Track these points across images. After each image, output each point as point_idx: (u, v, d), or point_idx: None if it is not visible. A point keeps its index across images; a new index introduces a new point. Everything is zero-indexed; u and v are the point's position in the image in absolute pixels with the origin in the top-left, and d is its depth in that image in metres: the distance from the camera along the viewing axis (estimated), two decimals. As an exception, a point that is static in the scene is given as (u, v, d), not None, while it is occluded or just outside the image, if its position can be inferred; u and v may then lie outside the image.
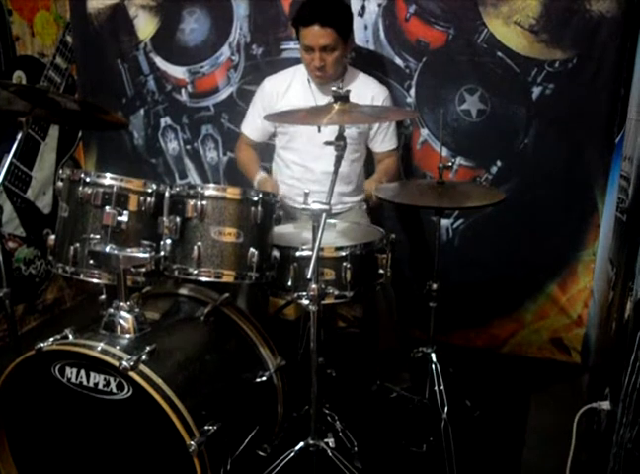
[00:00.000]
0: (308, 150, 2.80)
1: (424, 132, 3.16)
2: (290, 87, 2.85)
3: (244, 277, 2.06)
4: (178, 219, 2.00)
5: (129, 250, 1.96)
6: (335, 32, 2.59)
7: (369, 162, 3.00)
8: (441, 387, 2.43)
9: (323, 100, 2.74)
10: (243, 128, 3.01)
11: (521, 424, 2.69)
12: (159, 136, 3.66)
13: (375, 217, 2.95)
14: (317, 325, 1.98)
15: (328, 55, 2.63)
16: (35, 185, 3.46)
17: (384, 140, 2.89)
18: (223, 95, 3.45)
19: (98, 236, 1.97)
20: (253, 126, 2.95)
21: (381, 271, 2.31)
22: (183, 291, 2.33)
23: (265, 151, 3.07)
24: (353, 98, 2.09)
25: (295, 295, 2.19)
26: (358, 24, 3.07)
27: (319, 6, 2.64)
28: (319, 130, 2.65)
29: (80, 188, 2.01)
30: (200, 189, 2.01)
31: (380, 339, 2.79)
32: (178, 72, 3.51)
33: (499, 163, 3.08)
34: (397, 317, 2.74)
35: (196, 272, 2.02)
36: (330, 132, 2.43)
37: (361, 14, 3.07)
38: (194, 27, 3.38)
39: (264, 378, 2.24)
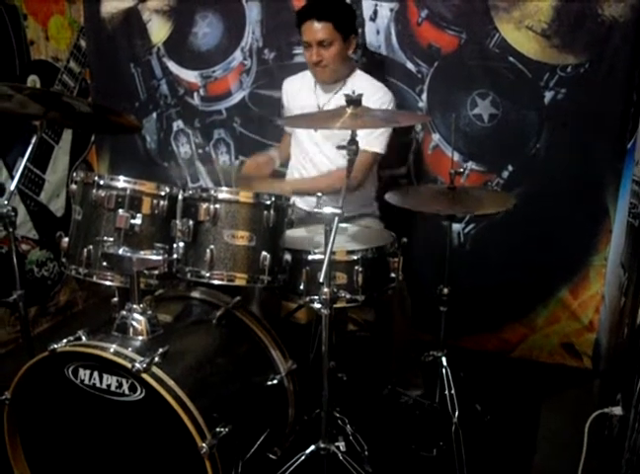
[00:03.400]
0: (313, 151, 2.82)
1: (435, 137, 3.16)
2: (301, 89, 2.88)
3: (256, 281, 2.06)
4: (191, 222, 2.01)
5: (142, 252, 1.97)
6: (332, 26, 2.61)
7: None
8: (452, 391, 2.43)
9: (324, 100, 2.77)
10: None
11: (532, 429, 2.69)
12: (171, 140, 3.68)
13: (387, 221, 2.95)
14: (328, 328, 1.98)
15: (325, 50, 2.64)
16: (48, 188, 3.49)
17: (362, 137, 2.38)
18: (235, 99, 3.47)
19: (111, 239, 1.99)
20: None
21: (393, 275, 2.31)
22: (195, 294, 2.34)
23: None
24: None
25: (307, 299, 2.19)
26: (370, 28, 3.10)
27: (316, 2, 2.69)
28: (315, 130, 2.69)
29: (94, 191, 2.02)
30: (213, 192, 2.02)
31: (395, 343, 2.79)
32: (190, 76, 3.53)
33: (510, 168, 3.08)
34: (411, 320, 2.75)
35: (208, 274, 2.02)
36: (326, 131, 2.45)
37: (373, 18, 3.08)
38: (206, 31, 3.41)
39: (275, 381, 2.24)
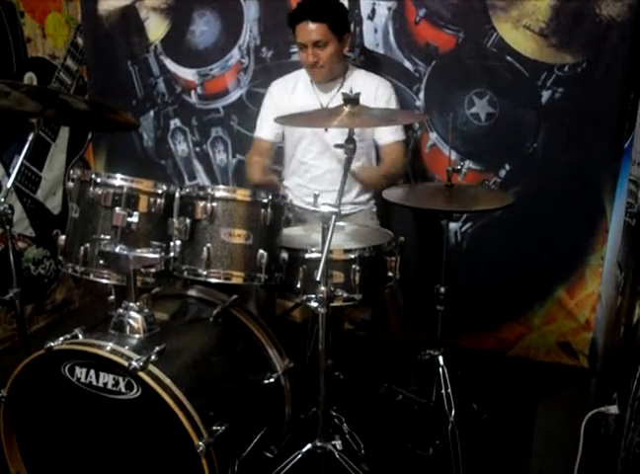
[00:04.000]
0: (313, 150, 2.82)
1: (433, 136, 3.16)
2: (295, 89, 2.86)
3: (253, 279, 2.06)
4: (188, 220, 2.01)
5: (139, 251, 1.96)
6: (327, 27, 2.60)
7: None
8: (449, 390, 2.43)
9: (326, 99, 2.76)
10: (257, 133, 2.95)
11: (529, 427, 2.69)
12: (168, 138, 3.68)
13: (384, 220, 2.95)
14: (325, 327, 1.98)
15: (321, 51, 2.64)
16: (44, 185, 3.48)
17: (385, 130, 2.80)
18: (233, 97, 3.46)
19: (108, 237, 1.98)
20: (268, 127, 2.90)
21: (390, 273, 2.31)
22: (192, 292, 2.34)
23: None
24: None
25: (304, 297, 2.19)
26: (367, 27, 3.10)
27: (310, 3, 2.66)
28: (326, 130, 2.68)
29: (90, 188, 2.01)
30: (210, 190, 2.01)
31: (387, 341, 2.79)
32: (188, 74, 3.52)
33: (507, 167, 3.08)
34: (404, 319, 2.75)
35: (205, 273, 2.02)
36: (336, 131, 2.44)
37: (371, 17, 3.08)
38: (204, 29, 3.40)
39: (272, 380, 2.24)
